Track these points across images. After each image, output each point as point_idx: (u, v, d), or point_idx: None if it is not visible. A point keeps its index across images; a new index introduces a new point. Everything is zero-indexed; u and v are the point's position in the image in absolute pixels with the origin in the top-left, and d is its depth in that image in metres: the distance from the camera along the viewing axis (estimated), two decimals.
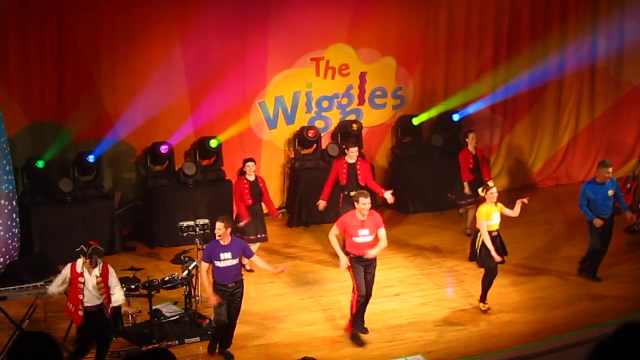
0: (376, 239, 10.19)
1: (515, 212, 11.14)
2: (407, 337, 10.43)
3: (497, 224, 10.88)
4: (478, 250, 10.91)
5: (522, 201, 11.14)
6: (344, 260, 10.09)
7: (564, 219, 14.07)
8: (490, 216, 10.77)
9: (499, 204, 10.94)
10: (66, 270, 9.25)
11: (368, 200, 10.06)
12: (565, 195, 15.29)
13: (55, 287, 9.45)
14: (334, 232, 10.31)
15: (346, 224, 10.13)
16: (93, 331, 9.32)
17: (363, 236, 10.06)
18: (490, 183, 11.16)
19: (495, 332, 10.60)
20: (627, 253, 12.95)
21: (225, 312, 9.68)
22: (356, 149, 12.73)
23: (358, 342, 10.24)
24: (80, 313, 9.16)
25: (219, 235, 9.60)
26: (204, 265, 9.68)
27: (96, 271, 9.16)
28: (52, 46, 12.85)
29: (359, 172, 12.62)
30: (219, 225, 9.65)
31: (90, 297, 9.16)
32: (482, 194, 10.93)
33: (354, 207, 11.75)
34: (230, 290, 9.67)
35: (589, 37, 16.23)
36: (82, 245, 9.17)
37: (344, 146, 13.25)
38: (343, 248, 10.25)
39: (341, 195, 12.66)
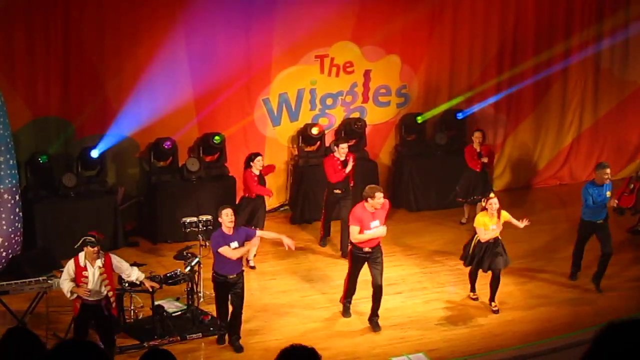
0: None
1: (517, 224, 11.09)
2: (409, 335, 10.43)
3: (496, 234, 10.81)
4: (471, 252, 10.94)
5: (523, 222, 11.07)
6: (383, 229, 10.26)
7: (567, 218, 14.05)
8: (487, 227, 10.75)
9: (503, 214, 10.85)
10: (70, 265, 9.19)
11: (382, 194, 10.15)
12: (569, 195, 15.26)
13: (68, 282, 9.13)
14: (356, 230, 10.19)
15: (361, 219, 10.15)
16: (89, 324, 9.33)
17: (375, 228, 10.19)
18: (492, 194, 11.05)
19: (497, 330, 10.61)
20: (630, 253, 12.93)
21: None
22: (346, 145, 12.77)
23: (347, 314, 10.78)
24: (77, 304, 9.16)
25: (231, 221, 9.57)
26: (224, 248, 9.59)
27: (99, 262, 9.15)
28: (57, 42, 12.85)
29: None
30: (229, 211, 9.63)
31: (93, 291, 9.12)
32: (483, 204, 10.97)
33: (337, 204, 11.92)
34: (230, 281, 9.74)
35: (594, 36, 16.19)
36: (83, 238, 9.12)
37: (333, 144, 13.37)
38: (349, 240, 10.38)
39: (326, 191, 12.73)
